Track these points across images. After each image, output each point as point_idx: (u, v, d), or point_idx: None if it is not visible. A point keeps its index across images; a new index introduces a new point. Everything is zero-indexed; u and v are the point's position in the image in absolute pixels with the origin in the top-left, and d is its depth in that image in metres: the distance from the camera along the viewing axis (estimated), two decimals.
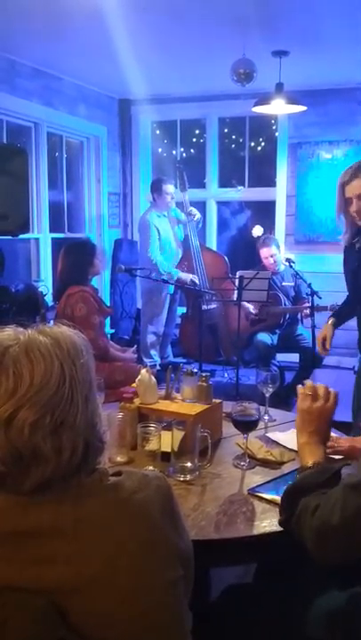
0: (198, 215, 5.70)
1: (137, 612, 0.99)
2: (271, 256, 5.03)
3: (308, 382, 1.65)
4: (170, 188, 5.47)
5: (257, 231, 5.74)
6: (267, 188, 6.27)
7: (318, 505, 1.29)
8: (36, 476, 0.97)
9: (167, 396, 2.09)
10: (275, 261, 5.05)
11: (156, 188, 5.50)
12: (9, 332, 1.03)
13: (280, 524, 1.43)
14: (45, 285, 4.66)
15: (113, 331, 5.95)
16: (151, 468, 1.73)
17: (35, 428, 0.96)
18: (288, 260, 4.97)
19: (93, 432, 1.04)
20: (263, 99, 4.80)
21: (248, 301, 4.80)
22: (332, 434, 1.95)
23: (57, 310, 3.69)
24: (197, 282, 5.50)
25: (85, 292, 3.58)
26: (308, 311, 4.71)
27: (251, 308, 4.96)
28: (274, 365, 4.65)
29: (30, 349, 0.99)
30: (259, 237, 5.41)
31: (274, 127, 6.19)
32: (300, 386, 1.65)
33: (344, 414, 2.45)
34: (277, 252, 5.06)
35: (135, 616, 0.99)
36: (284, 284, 5.10)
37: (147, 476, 1.11)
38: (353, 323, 4.63)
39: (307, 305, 4.75)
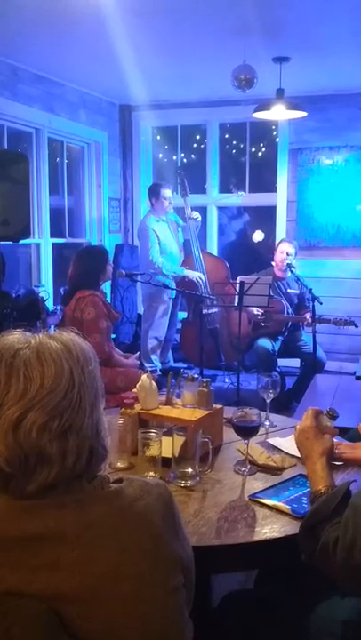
0: (199, 218, 5.70)
1: (137, 620, 0.99)
2: (287, 254, 4.99)
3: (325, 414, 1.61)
4: (167, 192, 5.48)
5: (258, 236, 5.75)
6: (267, 193, 6.28)
7: (337, 538, 1.25)
8: (40, 479, 0.98)
9: (168, 402, 2.08)
10: (285, 260, 4.99)
11: (154, 192, 5.51)
12: (18, 336, 1.03)
13: (305, 561, 1.36)
14: (46, 290, 4.67)
15: (114, 336, 5.94)
16: (152, 473, 1.73)
17: (43, 430, 0.96)
18: (289, 265, 4.96)
19: (98, 439, 1.05)
20: (264, 104, 4.81)
21: (249, 306, 4.79)
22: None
23: (65, 313, 3.70)
24: (203, 279, 5.50)
25: (96, 296, 3.61)
26: (309, 320, 4.70)
27: (255, 309, 4.94)
28: (275, 371, 4.64)
29: (41, 353, 1.00)
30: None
31: (274, 133, 6.20)
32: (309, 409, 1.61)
33: (346, 420, 2.44)
34: (292, 254, 5.04)
35: (136, 624, 0.99)
36: (289, 290, 5.09)
37: (148, 483, 1.11)
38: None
39: (308, 315, 4.73)
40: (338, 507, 1.31)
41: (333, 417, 1.61)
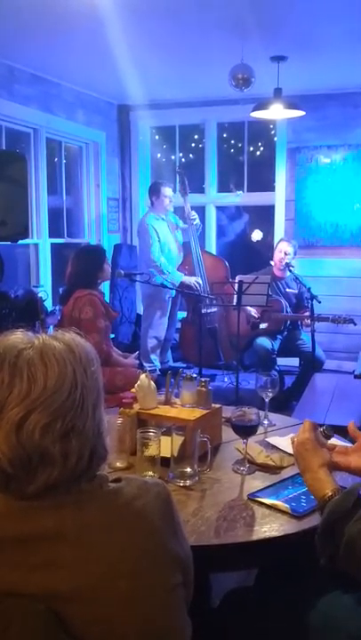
0: (197, 221, 5.69)
1: (136, 619, 0.99)
2: (285, 253, 5.00)
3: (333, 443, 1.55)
4: (168, 191, 5.47)
5: (256, 235, 5.75)
6: (266, 192, 6.28)
7: None
8: (42, 479, 0.98)
9: (167, 402, 2.08)
10: (284, 259, 4.99)
11: (155, 190, 5.50)
12: (21, 336, 1.03)
13: (324, 567, 1.32)
14: (45, 291, 4.66)
15: (113, 335, 5.93)
16: (150, 473, 1.73)
17: (45, 431, 0.96)
18: (288, 264, 4.97)
19: (99, 439, 1.05)
20: (262, 104, 4.81)
21: (248, 306, 4.79)
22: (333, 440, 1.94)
23: (63, 312, 3.70)
24: (201, 283, 5.49)
25: (94, 295, 3.61)
26: (308, 320, 4.70)
27: (253, 311, 4.95)
28: (274, 370, 4.64)
29: (45, 353, 0.99)
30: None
31: (272, 132, 6.20)
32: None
33: (342, 419, 2.44)
34: (291, 254, 5.04)
35: (134, 623, 0.99)
36: (288, 290, 5.09)
37: (147, 482, 1.11)
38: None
39: (307, 314, 4.73)
40: (356, 503, 1.29)
41: (328, 436, 1.55)
